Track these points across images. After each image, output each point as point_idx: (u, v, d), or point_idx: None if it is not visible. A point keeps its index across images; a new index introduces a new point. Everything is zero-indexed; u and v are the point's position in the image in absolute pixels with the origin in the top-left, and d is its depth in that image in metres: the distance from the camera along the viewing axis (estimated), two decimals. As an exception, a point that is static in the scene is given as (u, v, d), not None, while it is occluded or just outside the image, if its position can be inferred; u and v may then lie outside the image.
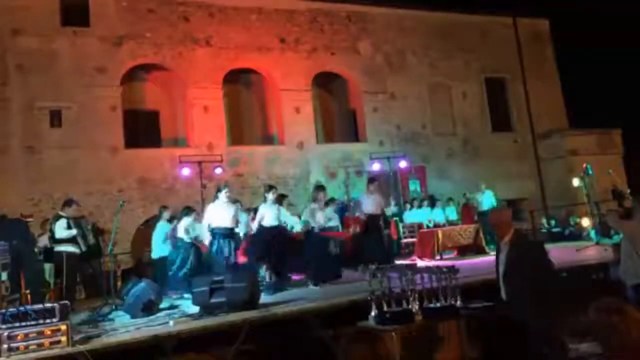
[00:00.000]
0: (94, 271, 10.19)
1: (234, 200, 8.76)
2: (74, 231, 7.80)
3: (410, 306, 4.28)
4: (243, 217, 9.21)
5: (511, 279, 3.93)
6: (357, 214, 10.34)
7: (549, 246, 13.07)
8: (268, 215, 8.23)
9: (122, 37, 14.04)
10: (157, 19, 14.49)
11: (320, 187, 9.27)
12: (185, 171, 13.20)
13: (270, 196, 8.32)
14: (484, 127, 18.17)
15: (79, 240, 7.94)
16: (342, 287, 7.49)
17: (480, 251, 11.13)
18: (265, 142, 16.17)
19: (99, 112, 13.48)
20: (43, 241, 8.09)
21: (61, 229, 7.74)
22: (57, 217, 7.97)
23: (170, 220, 9.62)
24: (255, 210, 8.93)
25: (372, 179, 10.51)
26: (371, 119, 16.65)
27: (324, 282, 8.07)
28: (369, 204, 9.87)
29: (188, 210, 9.23)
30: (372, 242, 9.69)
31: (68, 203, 8.10)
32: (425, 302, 4.35)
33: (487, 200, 13.31)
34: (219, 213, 7.94)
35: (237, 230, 8.48)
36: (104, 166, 13.31)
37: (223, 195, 8.03)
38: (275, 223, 8.25)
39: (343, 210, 13.13)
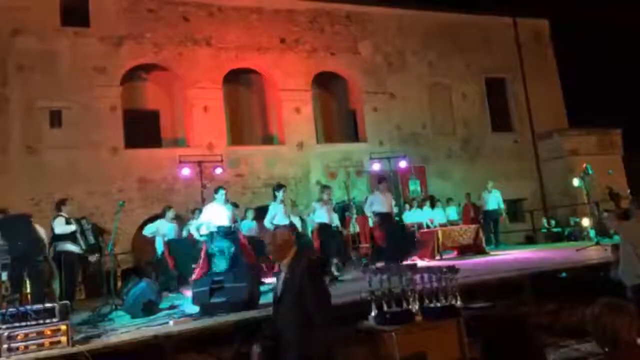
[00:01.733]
0: (94, 271, 10.20)
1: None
2: (73, 226, 7.85)
3: (410, 306, 4.27)
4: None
5: (284, 301, 3.78)
6: (367, 213, 10.39)
7: (548, 246, 13.02)
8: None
9: (122, 37, 14.04)
10: (157, 19, 14.49)
11: (324, 187, 9.47)
12: (185, 171, 13.19)
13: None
14: (484, 127, 18.16)
15: (79, 238, 7.97)
16: (342, 287, 7.49)
17: (480, 251, 11.15)
18: (265, 142, 16.18)
19: (99, 112, 13.49)
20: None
21: (60, 225, 7.81)
22: (55, 216, 8.04)
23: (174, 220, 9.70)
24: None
25: (382, 178, 10.58)
26: (371, 119, 16.65)
27: None
28: (381, 204, 9.84)
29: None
30: (397, 237, 9.81)
31: (62, 202, 8.17)
32: (425, 302, 4.35)
33: (493, 199, 13.26)
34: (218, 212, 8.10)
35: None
36: (104, 166, 13.31)
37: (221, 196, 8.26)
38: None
39: (344, 210, 13.13)
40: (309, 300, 3.64)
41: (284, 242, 3.96)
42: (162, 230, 9.52)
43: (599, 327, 2.51)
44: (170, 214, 9.64)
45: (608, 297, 2.63)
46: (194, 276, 7.85)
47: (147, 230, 9.74)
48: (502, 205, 13.38)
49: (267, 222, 8.51)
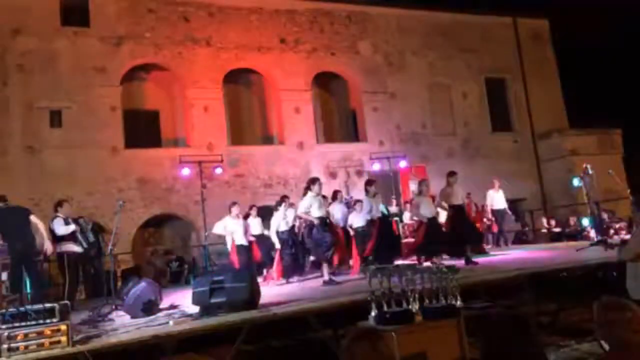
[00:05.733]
0: (95, 271, 10.20)
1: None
2: (72, 226, 7.89)
3: (410, 306, 4.27)
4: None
5: None
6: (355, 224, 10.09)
7: (549, 246, 12.97)
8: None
9: (122, 37, 14.04)
10: (157, 19, 14.49)
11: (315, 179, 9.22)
12: (185, 171, 13.21)
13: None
14: (484, 127, 18.17)
15: (79, 237, 7.99)
16: (342, 287, 7.50)
17: (480, 251, 11.12)
18: (265, 142, 16.18)
19: (99, 112, 13.48)
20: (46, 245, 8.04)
21: (60, 226, 7.83)
22: (53, 218, 8.06)
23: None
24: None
25: (370, 181, 10.27)
26: (371, 119, 16.65)
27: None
28: (374, 209, 9.63)
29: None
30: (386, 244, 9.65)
31: (59, 204, 8.21)
32: (425, 302, 4.35)
33: (501, 198, 13.05)
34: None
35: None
36: (104, 166, 13.31)
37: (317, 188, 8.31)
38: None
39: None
40: None
41: None
42: (229, 227, 9.56)
43: (601, 326, 2.51)
44: (234, 210, 9.64)
45: (611, 295, 2.63)
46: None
47: (215, 229, 9.82)
48: (506, 205, 13.21)
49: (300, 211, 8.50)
